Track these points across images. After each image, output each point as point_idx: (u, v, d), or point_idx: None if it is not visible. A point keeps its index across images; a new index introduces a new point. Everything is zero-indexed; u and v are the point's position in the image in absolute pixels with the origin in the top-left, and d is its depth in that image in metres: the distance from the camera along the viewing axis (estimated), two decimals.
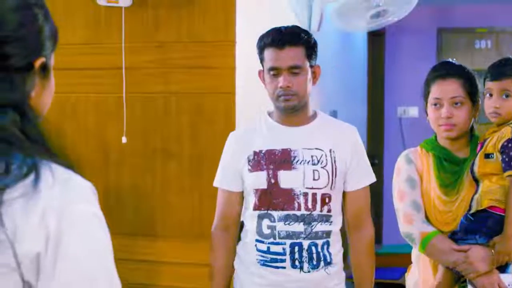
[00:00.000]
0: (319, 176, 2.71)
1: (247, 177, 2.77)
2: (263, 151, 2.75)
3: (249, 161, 2.77)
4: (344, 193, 2.83)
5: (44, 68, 1.29)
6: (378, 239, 6.83)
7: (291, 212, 2.69)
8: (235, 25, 3.55)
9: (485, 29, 7.72)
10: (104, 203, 3.77)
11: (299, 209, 2.69)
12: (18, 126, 1.19)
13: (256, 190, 2.74)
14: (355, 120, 5.78)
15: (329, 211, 2.74)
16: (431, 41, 7.81)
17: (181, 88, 3.64)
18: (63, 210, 1.14)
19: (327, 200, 2.73)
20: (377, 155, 7.40)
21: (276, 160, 2.72)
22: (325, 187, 2.72)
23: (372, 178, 2.88)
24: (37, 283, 1.12)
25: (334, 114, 5.48)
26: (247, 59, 3.63)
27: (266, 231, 2.73)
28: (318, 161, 2.72)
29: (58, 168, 1.19)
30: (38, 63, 1.27)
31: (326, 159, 2.73)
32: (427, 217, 2.75)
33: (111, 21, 3.72)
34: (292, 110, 2.75)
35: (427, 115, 2.84)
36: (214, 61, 3.57)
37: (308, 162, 2.71)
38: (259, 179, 2.73)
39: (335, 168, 2.74)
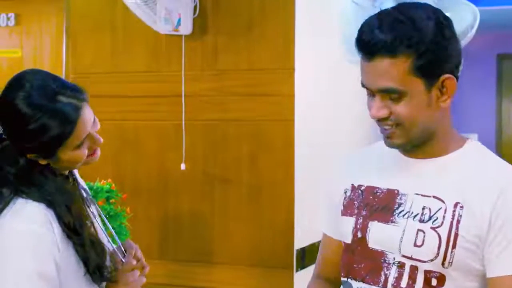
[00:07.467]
0: (423, 241, 1.67)
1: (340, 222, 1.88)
2: (363, 187, 1.83)
3: (344, 198, 1.87)
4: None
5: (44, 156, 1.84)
6: None
7: None
8: (294, 52, 3.55)
9: None
10: (163, 229, 3.80)
11: (384, 285, 1.72)
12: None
13: (344, 244, 1.86)
14: None
15: None
16: (491, 67, 7.73)
17: (240, 115, 3.65)
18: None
19: (434, 282, 1.67)
20: None
21: (374, 204, 1.77)
22: (431, 260, 1.66)
23: None
24: None
25: None
26: (306, 86, 3.63)
27: None
28: (430, 218, 1.68)
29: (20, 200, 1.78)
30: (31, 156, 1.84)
31: (444, 217, 1.66)
32: None
33: (171, 49, 3.76)
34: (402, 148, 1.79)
35: None
36: (273, 88, 3.57)
37: (414, 216, 1.70)
38: (345, 228, 1.83)
39: (456, 234, 1.65)
